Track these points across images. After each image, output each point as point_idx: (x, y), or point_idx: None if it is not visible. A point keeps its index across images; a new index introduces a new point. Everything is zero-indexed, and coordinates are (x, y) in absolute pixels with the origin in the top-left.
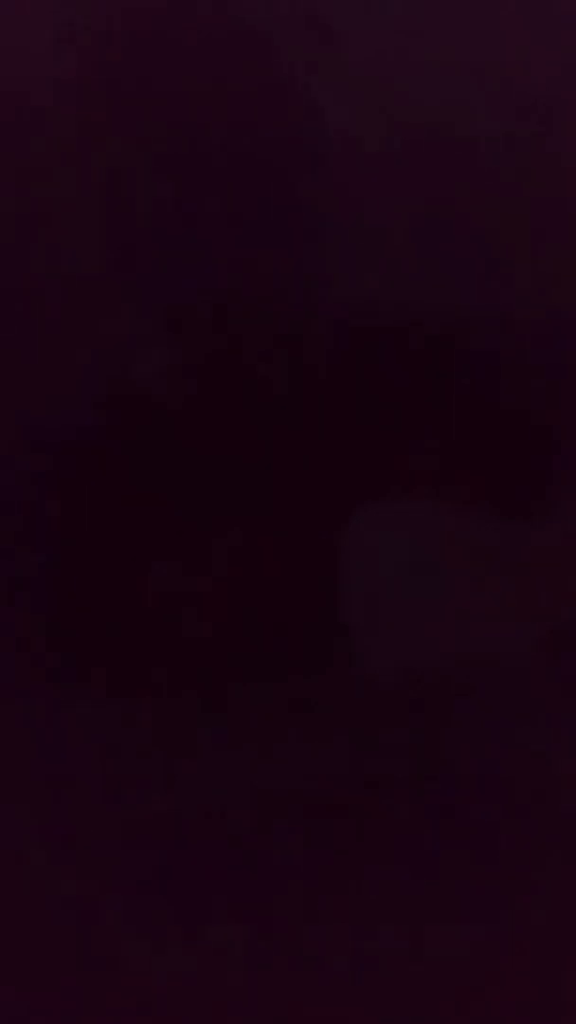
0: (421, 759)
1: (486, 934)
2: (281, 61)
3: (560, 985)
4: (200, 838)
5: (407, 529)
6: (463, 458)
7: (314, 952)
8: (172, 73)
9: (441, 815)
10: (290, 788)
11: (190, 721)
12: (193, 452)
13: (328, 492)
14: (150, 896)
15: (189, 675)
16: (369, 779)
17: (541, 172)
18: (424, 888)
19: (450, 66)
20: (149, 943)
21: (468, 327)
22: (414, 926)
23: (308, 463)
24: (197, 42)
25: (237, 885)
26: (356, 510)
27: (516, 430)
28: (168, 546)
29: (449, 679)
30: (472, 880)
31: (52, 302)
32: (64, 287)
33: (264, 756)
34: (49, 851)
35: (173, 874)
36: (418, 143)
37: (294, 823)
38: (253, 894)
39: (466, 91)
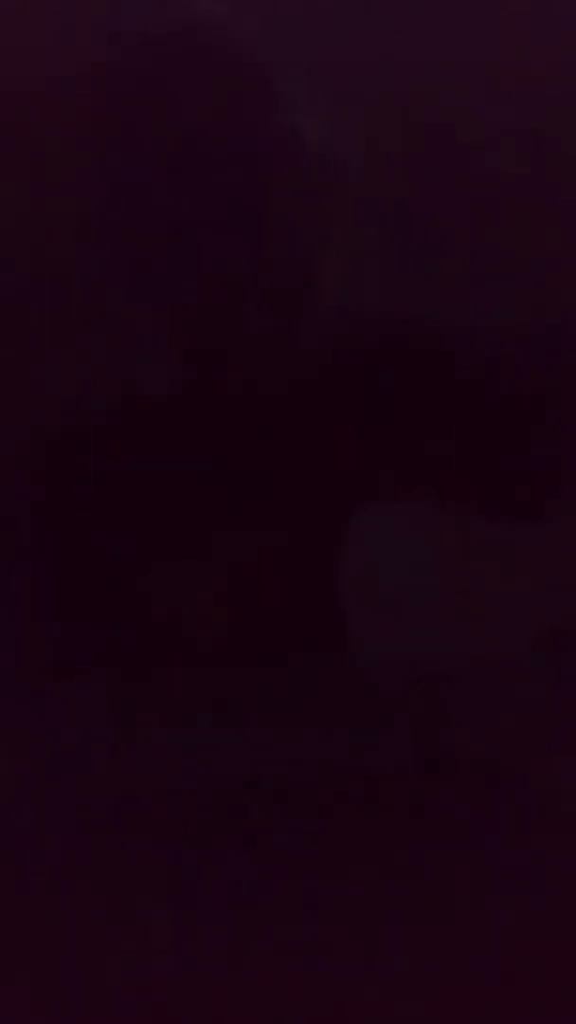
0: (421, 755)
1: (485, 928)
2: (279, 65)
3: (560, 978)
4: (200, 828)
5: (407, 529)
6: (463, 459)
7: (313, 942)
8: (171, 79)
9: (441, 809)
10: (291, 781)
11: (191, 715)
12: (195, 453)
13: (329, 493)
14: (149, 885)
15: (191, 670)
16: (369, 773)
17: (541, 176)
18: (423, 880)
19: (449, 70)
20: (146, 931)
21: (468, 330)
22: (413, 916)
23: (310, 464)
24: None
25: (236, 874)
26: (357, 510)
27: (516, 432)
28: (171, 544)
29: (449, 677)
30: (471, 874)
31: (53, 305)
32: (65, 289)
33: (266, 749)
34: (50, 838)
35: (172, 862)
36: (417, 147)
37: (295, 816)
38: (252, 884)
39: (465, 94)
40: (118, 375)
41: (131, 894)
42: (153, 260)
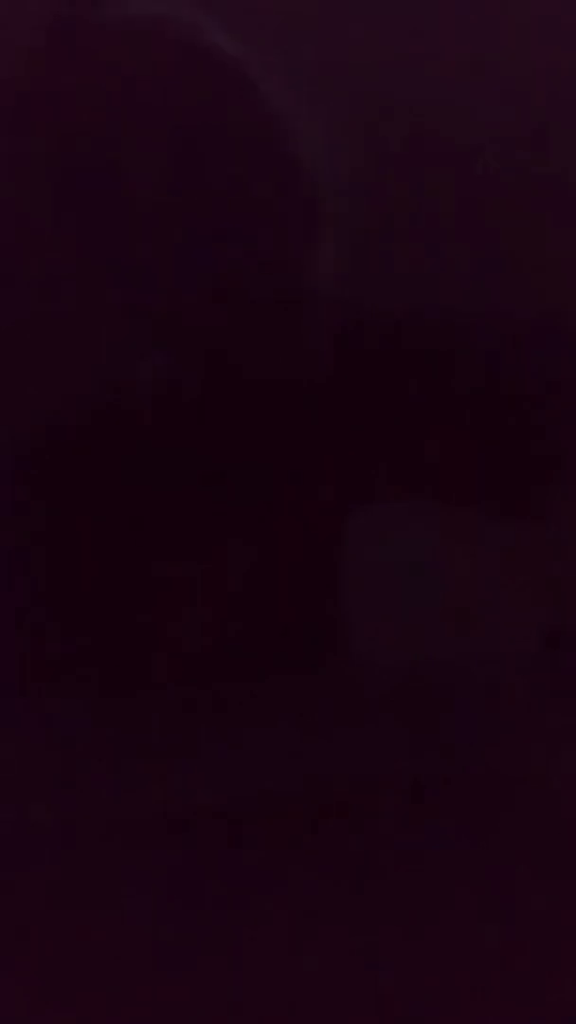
0: (420, 758)
1: (485, 933)
2: (275, 63)
3: (560, 982)
4: (198, 837)
5: (407, 529)
6: (463, 458)
7: (313, 950)
8: (167, 76)
9: (440, 814)
10: (289, 787)
11: (190, 720)
12: (193, 454)
13: (328, 493)
14: (148, 894)
15: (189, 675)
16: (368, 778)
17: (540, 173)
18: (423, 887)
19: (448, 67)
20: (147, 941)
21: (468, 328)
22: (413, 925)
23: (308, 465)
24: (188, 47)
25: (235, 883)
26: (356, 510)
27: (516, 431)
28: (168, 547)
29: (448, 678)
30: (471, 879)
31: (45, 303)
32: (61, 291)
33: (263, 755)
34: (47, 846)
35: (170, 872)
36: (415, 144)
37: (293, 822)
38: (251, 892)
39: (463, 92)
40: (113, 374)
41: (129, 897)
42: (147, 259)
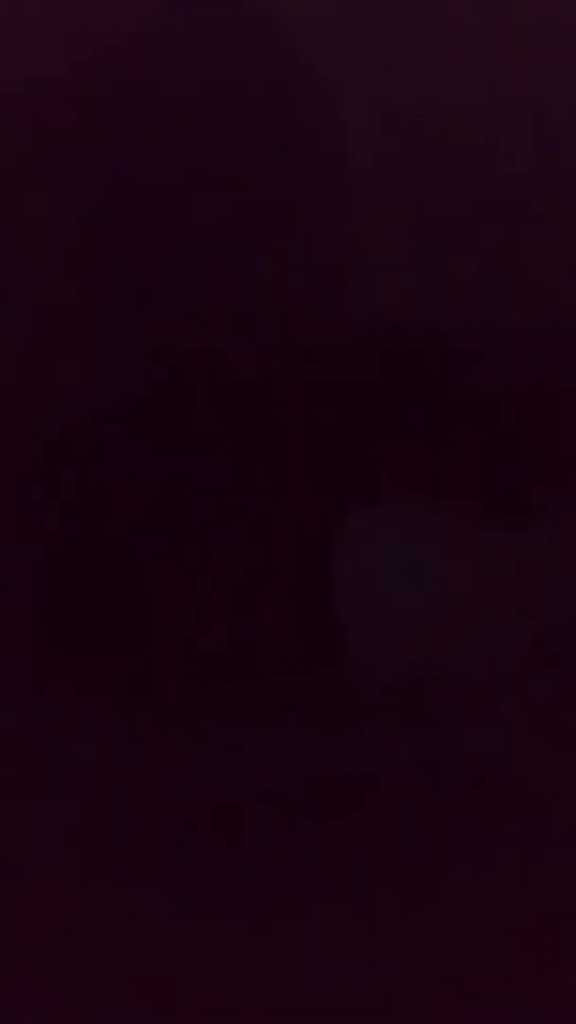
0: (419, 757)
1: (485, 930)
2: (285, 64)
3: (558, 980)
4: (198, 834)
5: (406, 530)
6: (462, 460)
7: (310, 947)
8: (173, 77)
9: (438, 813)
10: (288, 786)
11: (190, 719)
12: (194, 454)
13: (328, 494)
14: (147, 891)
15: (188, 674)
16: (367, 777)
17: (542, 177)
18: (421, 885)
19: (450, 71)
20: (144, 938)
21: (468, 332)
22: (411, 921)
23: (309, 466)
24: (203, 44)
25: (233, 881)
26: (355, 512)
27: (515, 433)
28: (168, 548)
29: (447, 678)
30: (470, 877)
31: (55, 302)
32: (68, 286)
33: (263, 754)
34: (47, 844)
35: (170, 869)
36: (417, 148)
37: (292, 820)
38: (250, 890)
39: (466, 96)
40: (117, 375)
41: (128, 893)
42: (160, 260)
